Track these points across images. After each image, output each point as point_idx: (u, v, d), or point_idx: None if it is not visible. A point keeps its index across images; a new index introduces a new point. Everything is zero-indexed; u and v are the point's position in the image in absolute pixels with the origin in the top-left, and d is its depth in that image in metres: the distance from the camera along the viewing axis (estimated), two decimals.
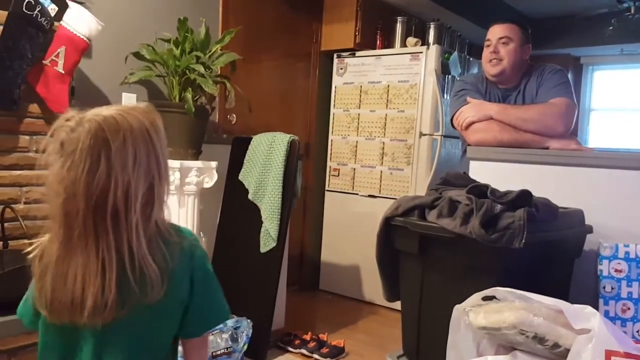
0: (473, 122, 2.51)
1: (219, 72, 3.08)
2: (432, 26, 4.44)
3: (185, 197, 2.90)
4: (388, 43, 4.48)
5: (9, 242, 2.50)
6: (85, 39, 2.59)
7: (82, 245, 1.03)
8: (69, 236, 1.04)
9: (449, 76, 4.13)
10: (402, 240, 1.98)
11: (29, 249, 1.11)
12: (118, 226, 1.03)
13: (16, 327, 2.15)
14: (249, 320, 2.83)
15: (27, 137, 2.60)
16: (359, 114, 4.39)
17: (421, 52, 4.07)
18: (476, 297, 1.61)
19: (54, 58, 2.55)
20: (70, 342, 1.12)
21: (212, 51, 2.96)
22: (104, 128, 1.03)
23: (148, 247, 1.06)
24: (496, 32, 2.63)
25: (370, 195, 4.31)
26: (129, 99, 3.10)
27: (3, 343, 2.13)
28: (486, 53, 2.64)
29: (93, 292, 1.03)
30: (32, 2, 2.37)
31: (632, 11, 5.01)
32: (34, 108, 2.60)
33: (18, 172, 2.57)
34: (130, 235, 1.03)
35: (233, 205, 3.34)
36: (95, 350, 1.11)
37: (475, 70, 4.39)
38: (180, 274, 1.11)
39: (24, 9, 2.37)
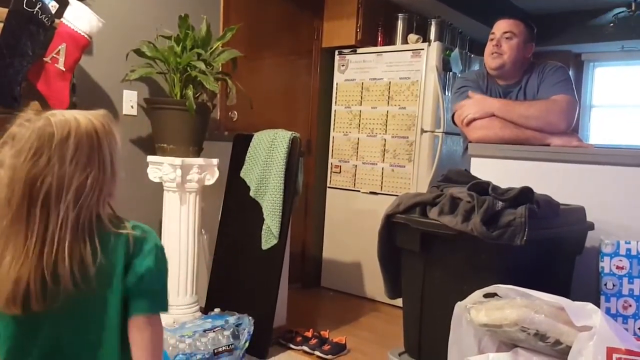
0: (475, 119, 2.51)
1: (220, 69, 3.08)
2: (433, 23, 4.44)
3: (186, 195, 2.90)
4: (389, 40, 4.47)
5: None
6: (86, 36, 2.59)
7: (14, 231, 1.06)
8: (6, 224, 1.07)
9: (450, 73, 4.12)
10: (404, 237, 1.98)
11: None
12: (47, 215, 1.06)
13: None
14: (250, 318, 2.83)
15: None
16: (360, 111, 4.39)
17: (422, 49, 4.07)
18: (478, 294, 1.61)
19: (54, 55, 2.55)
20: (21, 332, 1.14)
21: (213, 48, 2.96)
22: (52, 123, 1.09)
23: (71, 240, 1.08)
24: (501, 26, 2.63)
25: (371, 192, 4.31)
26: (130, 96, 3.10)
27: None
28: (489, 47, 2.65)
29: (18, 279, 1.05)
30: None
31: (633, 8, 5.00)
32: (34, 106, 2.60)
33: None
34: (55, 227, 1.06)
35: (234, 203, 3.33)
36: (41, 338, 1.13)
37: (476, 67, 4.38)
38: (114, 265, 1.12)
39: (24, 6, 2.37)
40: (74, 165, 1.07)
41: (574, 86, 2.58)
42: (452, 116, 2.70)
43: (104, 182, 1.13)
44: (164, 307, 1.20)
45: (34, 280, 1.05)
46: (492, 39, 2.64)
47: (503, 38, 2.60)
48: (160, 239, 1.37)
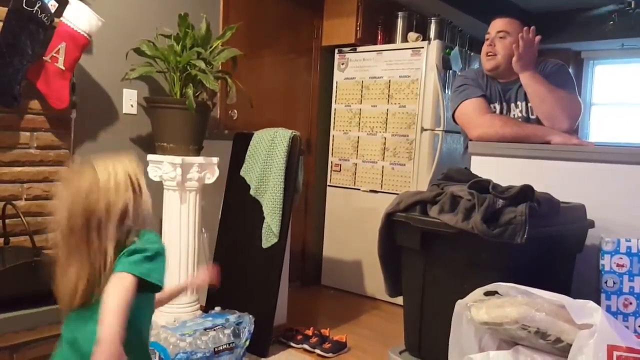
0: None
1: (220, 68, 3.08)
2: (433, 21, 4.43)
3: (186, 193, 2.90)
4: (389, 38, 4.47)
5: (10, 238, 2.51)
6: (85, 35, 2.59)
7: (77, 249, 1.38)
8: (69, 245, 1.39)
9: (450, 71, 4.12)
10: (404, 235, 1.98)
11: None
12: (100, 235, 1.38)
13: (18, 323, 2.16)
14: (251, 316, 2.83)
15: (27, 134, 2.60)
16: (360, 110, 4.39)
17: (422, 48, 4.07)
18: (478, 292, 1.61)
19: (54, 54, 2.55)
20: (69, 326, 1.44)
21: (213, 47, 2.96)
22: (96, 169, 1.42)
23: (112, 253, 1.38)
24: (495, 26, 2.63)
25: (371, 191, 4.31)
26: (130, 95, 3.10)
27: (5, 339, 2.13)
28: (484, 47, 2.65)
29: (88, 283, 1.37)
30: None
31: (633, 6, 5.00)
32: (34, 104, 2.60)
33: (19, 169, 2.58)
34: (106, 243, 1.38)
35: (235, 201, 3.33)
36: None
37: (476, 65, 4.38)
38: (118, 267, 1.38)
39: (24, 5, 2.37)
40: (115, 196, 1.40)
41: (575, 85, 2.58)
42: (453, 114, 2.70)
43: (136, 209, 1.44)
44: (136, 270, 1.34)
45: (96, 284, 1.36)
46: (487, 39, 2.64)
47: (497, 38, 2.59)
48: (161, 237, 1.59)
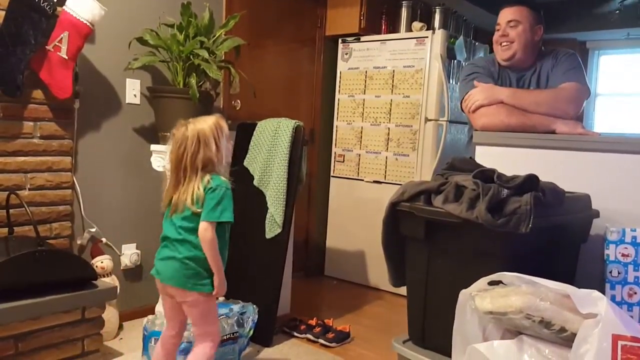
0: (482, 106, 2.48)
1: (223, 58, 3.07)
2: (437, 10, 4.40)
3: None
4: (393, 28, 4.44)
5: (14, 228, 2.51)
6: (88, 24, 2.58)
7: (182, 181, 2.04)
8: (176, 179, 2.06)
9: (455, 61, 4.10)
10: (408, 225, 1.98)
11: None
12: (195, 172, 2.02)
13: (22, 312, 2.17)
14: (254, 306, 2.83)
15: (31, 124, 2.59)
16: (364, 100, 4.37)
17: (426, 37, 4.04)
18: (482, 281, 1.61)
19: (57, 43, 2.54)
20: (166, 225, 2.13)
21: (216, 36, 2.95)
22: (188, 129, 2.04)
23: (199, 182, 2.03)
24: (505, 15, 2.60)
25: (375, 181, 4.30)
26: (133, 85, 3.10)
27: (9, 328, 2.14)
28: (496, 37, 2.61)
29: (178, 199, 2.05)
30: None
31: None
32: (37, 94, 2.60)
33: (22, 159, 2.58)
34: (197, 176, 2.02)
35: (238, 192, 3.31)
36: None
37: (481, 54, 4.35)
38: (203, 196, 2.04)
39: None
40: (202, 148, 2.03)
41: (584, 73, 2.56)
42: (461, 103, 2.68)
43: (215, 156, 2.05)
44: (213, 218, 2.03)
45: (182, 201, 2.04)
46: (498, 29, 2.62)
47: (508, 27, 2.57)
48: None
